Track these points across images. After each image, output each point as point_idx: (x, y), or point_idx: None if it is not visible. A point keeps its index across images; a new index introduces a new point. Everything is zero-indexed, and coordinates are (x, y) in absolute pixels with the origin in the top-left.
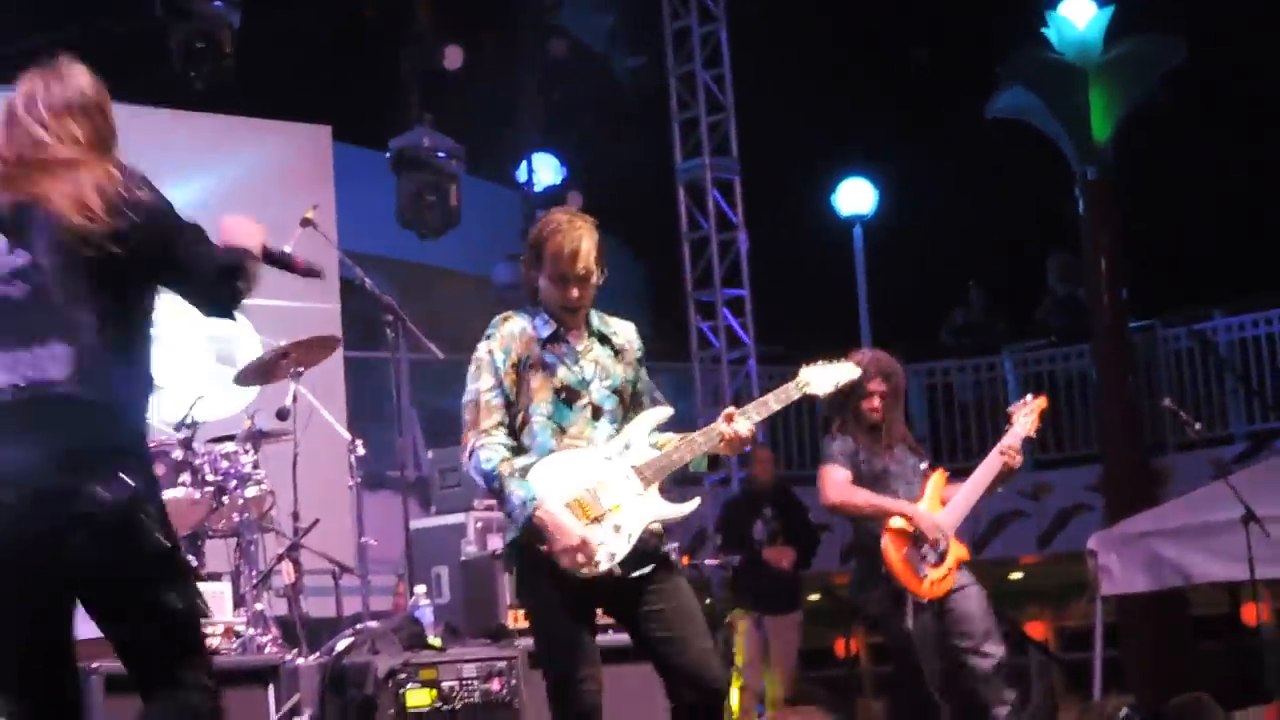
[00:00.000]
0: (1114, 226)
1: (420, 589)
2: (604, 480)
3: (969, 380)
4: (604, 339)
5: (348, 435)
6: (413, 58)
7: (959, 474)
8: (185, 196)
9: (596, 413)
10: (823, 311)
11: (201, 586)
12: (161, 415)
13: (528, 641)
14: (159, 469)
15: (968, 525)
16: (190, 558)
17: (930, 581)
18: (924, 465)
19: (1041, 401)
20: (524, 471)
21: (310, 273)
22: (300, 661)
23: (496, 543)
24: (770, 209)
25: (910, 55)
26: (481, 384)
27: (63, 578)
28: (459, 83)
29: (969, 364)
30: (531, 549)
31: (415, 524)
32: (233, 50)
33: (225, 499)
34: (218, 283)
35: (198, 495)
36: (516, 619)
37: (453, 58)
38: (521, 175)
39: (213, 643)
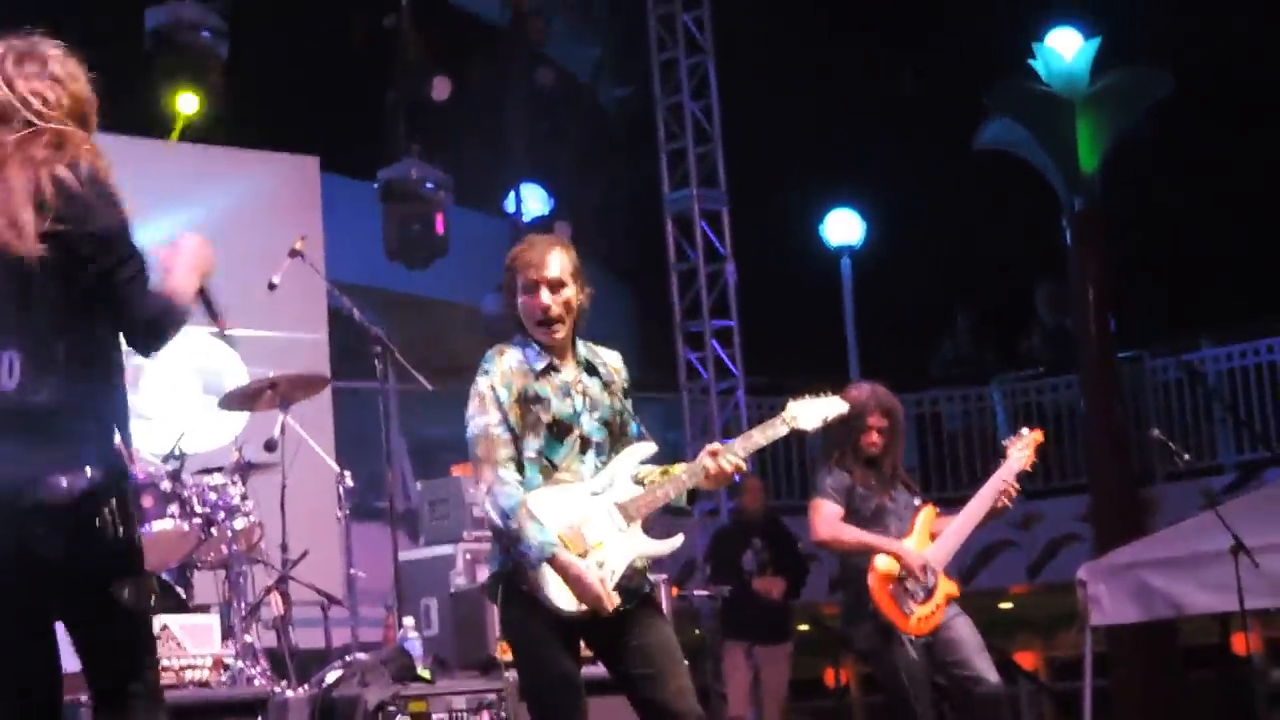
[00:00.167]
0: (1101, 257)
1: (409, 621)
2: (587, 517)
3: (958, 410)
4: (592, 370)
5: (336, 467)
6: (400, 89)
7: (946, 503)
8: (172, 227)
9: (585, 445)
10: (811, 342)
11: (190, 619)
12: (149, 447)
13: (516, 674)
14: (147, 501)
15: (956, 554)
16: (179, 589)
17: (917, 618)
18: (916, 501)
19: (1037, 435)
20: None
21: (221, 325)
22: (289, 694)
23: (485, 574)
24: (758, 240)
25: (899, 81)
26: (490, 418)
27: (32, 575)
28: (447, 113)
29: (958, 394)
30: (514, 582)
31: (404, 555)
32: (220, 80)
33: (213, 530)
34: (142, 330)
35: (186, 527)
36: (506, 651)
37: (440, 89)
38: (509, 206)
39: (201, 675)
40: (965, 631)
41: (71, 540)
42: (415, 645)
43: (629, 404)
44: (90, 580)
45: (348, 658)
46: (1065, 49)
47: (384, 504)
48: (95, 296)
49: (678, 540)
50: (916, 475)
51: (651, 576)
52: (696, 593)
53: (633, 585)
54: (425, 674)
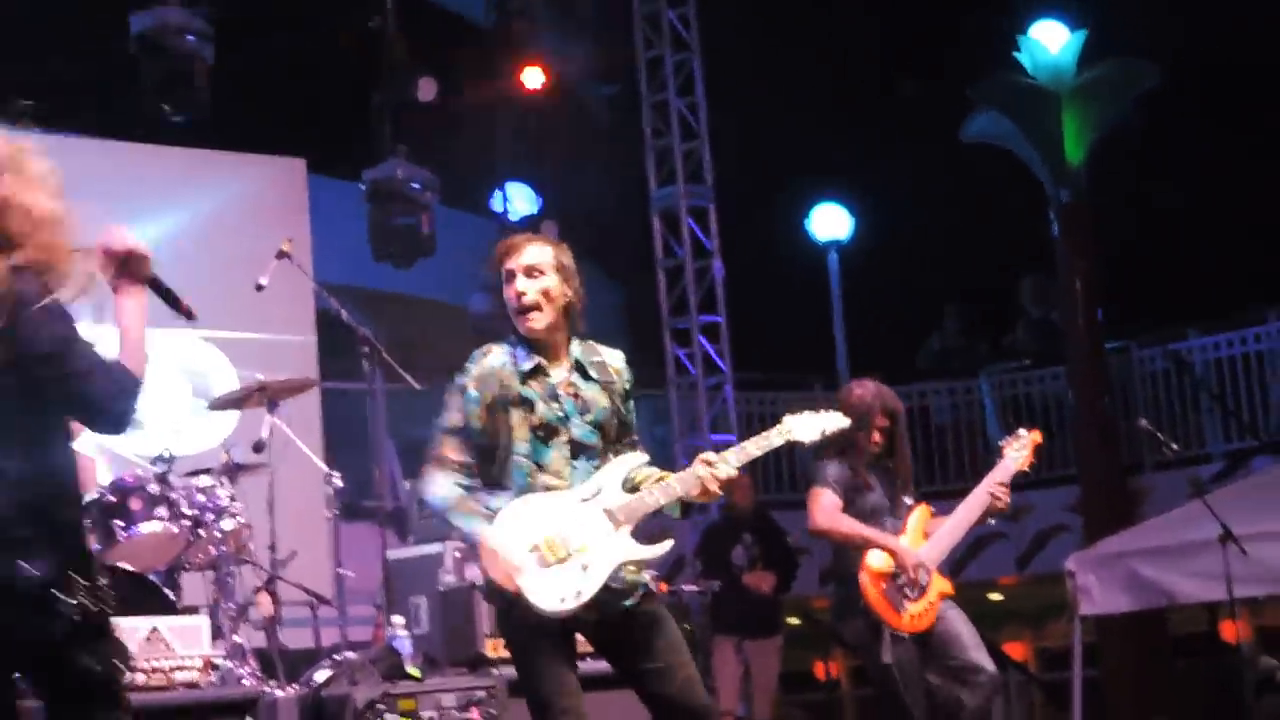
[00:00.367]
0: (1088, 249)
1: (398, 619)
2: (573, 522)
3: (946, 403)
4: (586, 372)
5: (325, 467)
6: (386, 90)
7: (934, 496)
8: (159, 231)
9: (576, 450)
10: (799, 337)
11: (179, 620)
12: (138, 449)
13: (507, 671)
14: (135, 503)
15: None
16: (167, 591)
17: (910, 615)
18: (909, 500)
19: (1035, 436)
20: (495, 514)
21: (185, 311)
22: (279, 694)
23: (474, 573)
24: (745, 236)
25: (895, 85)
26: (446, 417)
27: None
28: (433, 114)
29: (945, 387)
30: None
31: (393, 554)
32: (206, 84)
33: (202, 532)
34: (105, 416)
35: (175, 529)
36: (495, 648)
37: (426, 89)
38: (497, 205)
39: (191, 676)
40: (961, 626)
41: (31, 617)
42: (404, 644)
43: (630, 406)
44: (51, 652)
45: (337, 657)
46: (1051, 41)
47: (373, 503)
48: (51, 398)
49: (666, 545)
50: None
51: (646, 575)
52: (686, 588)
53: (625, 586)
54: (414, 672)
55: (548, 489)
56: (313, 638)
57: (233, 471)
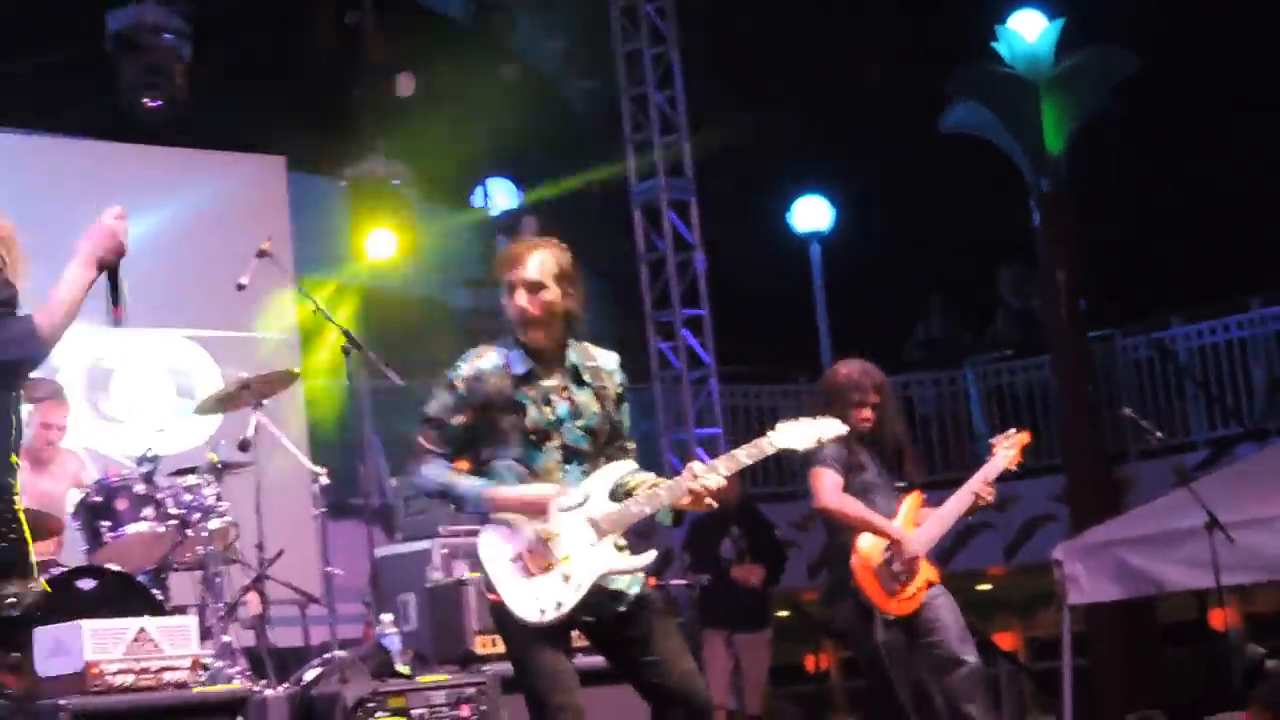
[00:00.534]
0: (1070, 238)
1: (387, 617)
2: (557, 531)
3: (930, 394)
4: (580, 377)
5: (311, 466)
6: (365, 86)
7: (918, 486)
8: (140, 230)
9: (568, 455)
10: (782, 329)
11: (167, 620)
12: (123, 449)
13: (496, 667)
14: (121, 503)
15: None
16: (155, 591)
17: (898, 600)
18: (900, 483)
19: (1024, 437)
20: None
21: (117, 315)
22: (269, 693)
23: (462, 569)
24: (727, 228)
25: (866, 71)
26: (430, 406)
27: None
28: (412, 110)
29: (930, 377)
30: None
31: (381, 551)
32: (184, 82)
33: (189, 532)
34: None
35: (161, 529)
36: (484, 645)
37: (405, 85)
38: (477, 200)
39: (180, 676)
40: (946, 614)
41: None
42: (394, 641)
43: (624, 410)
44: None
45: (326, 655)
46: (1028, 31)
47: (359, 501)
48: None
49: (649, 556)
50: None
51: (639, 579)
52: (674, 582)
53: (611, 595)
54: (404, 669)
55: None
56: (302, 636)
57: (218, 470)
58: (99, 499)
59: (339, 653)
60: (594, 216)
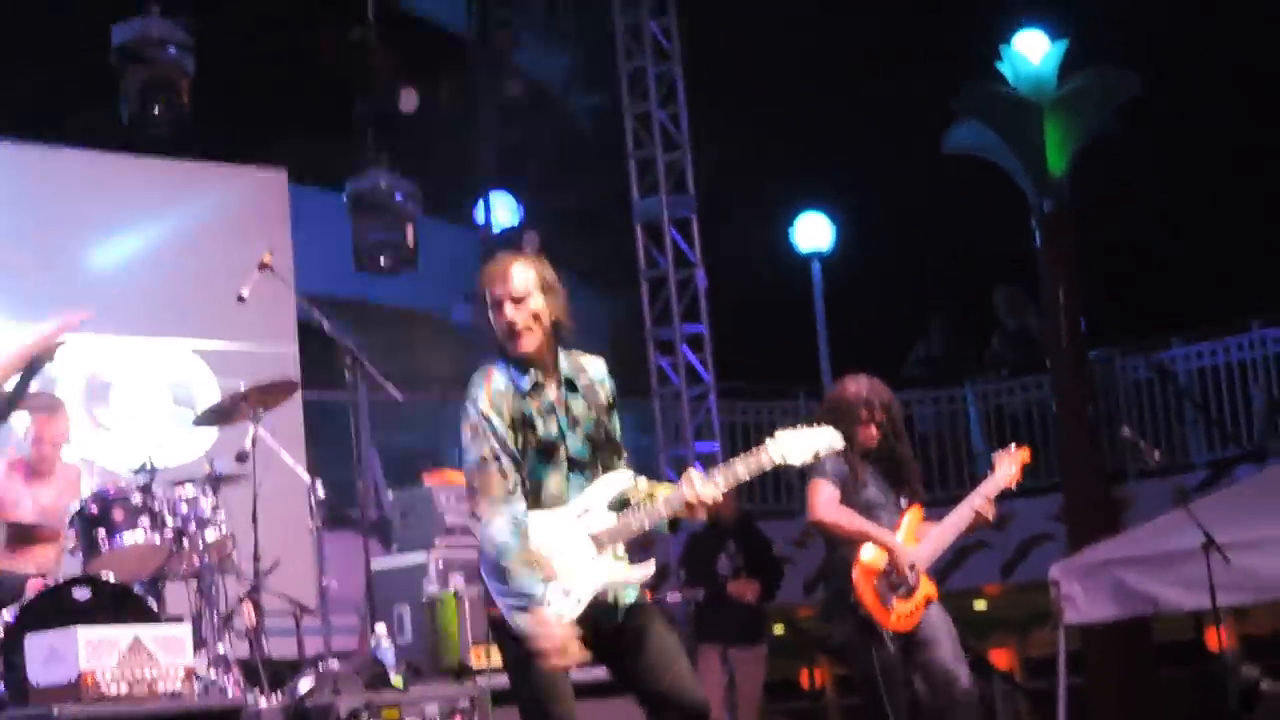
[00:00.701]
0: (1071, 258)
1: (381, 628)
2: (557, 545)
3: (929, 412)
4: (573, 386)
5: (307, 478)
6: (368, 100)
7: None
8: (140, 241)
9: (572, 465)
10: (782, 347)
11: (162, 629)
12: (121, 460)
13: (490, 680)
14: (118, 514)
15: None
16: (150, 601)
17: (898, 615)
18: (903, 501)
19: (1024, 454)
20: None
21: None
22: (263, 703)
23: (458, 581)
24: (728, 246)
25: (869, 90)
26: (482, 449)
27: None
28: (415, 124)
29: (930, 396)
30: None
31: (376, 564)
32: (188, 95)
33: (185, 542)
34: None
35: (158, 539)
36: (478, 657)
37: (408, 100)
38: (479, 216)
39: (174, 686)
40: (943, 635)
41: None
42: (388, 653)
43: (614, 418)
44: None
45: (320, 666)
46: (1032, 52)
47: (356, 513)
48: None
49: (649, 568)
50: None
51: (636, 589)
52: (670, 597)
53: (610, 606)
54: (398, 681)
55: (548, 508)
56: (296, 647)
57: (215, 481)
58: (96, 509)
59: (333, 664)
60: (596, 233)
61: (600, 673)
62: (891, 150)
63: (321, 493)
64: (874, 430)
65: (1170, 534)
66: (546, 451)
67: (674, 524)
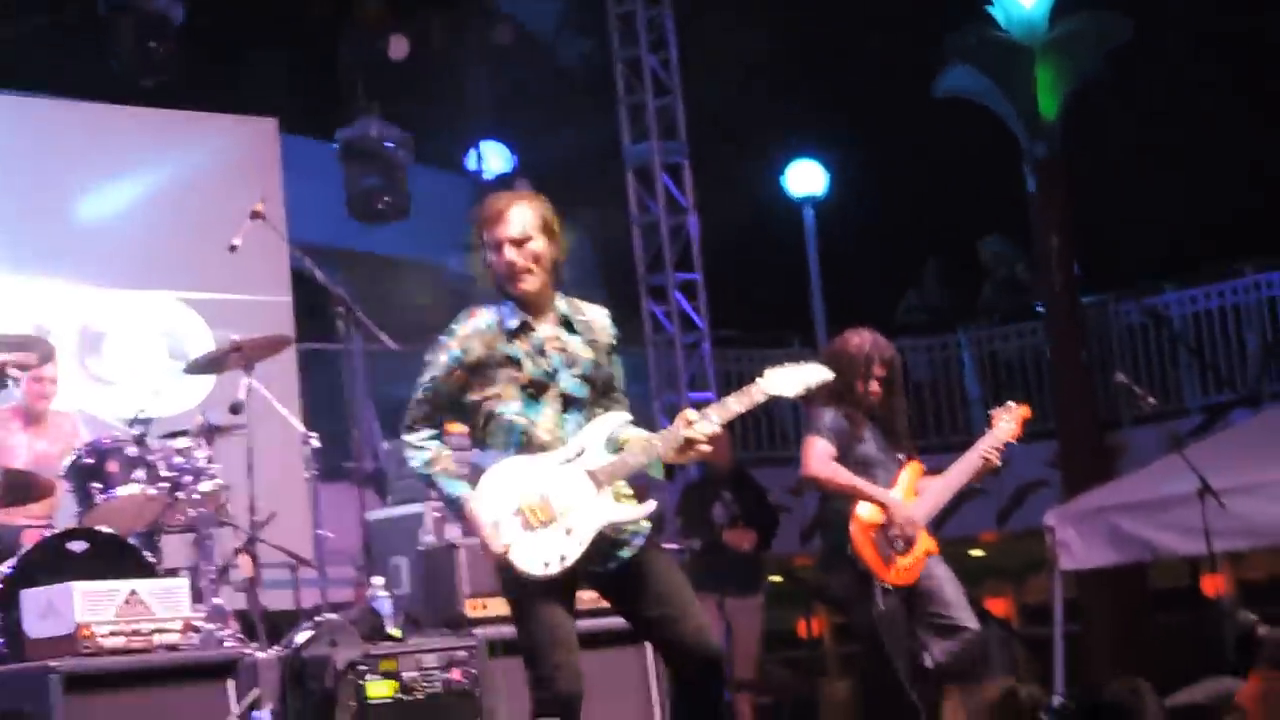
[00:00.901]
0: (1064, 203)
1: (378, 580)
2: (556, 485)
3: (923, 359)
4: (571, 326)
5: (302, 428)
6: (358, 48)
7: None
8: (132, 192)
9: (567, 403)
10: (776, 293)
11: (159, 583)
12: (115, 412)
13: (487, 630)
14: (113, 466)
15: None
16: (147, 554)
17: (897, 569)
18: (901, 455)
19: (1024, 410)
20: (479, 473)
21: None
22: (260, 655)
23: (454, 532)
24: (720, 192)
25: (861, 35)
26: (423, 379)
27: None
28: (406, 72)
29: (923, 343)
30: None
31: (372, 515)
32: (176, 44)
33: (180, 494)
34: None
35: (153, 491)
36: (476, 608)
37: (398, 47)
38: (471, 163)
39: (171, 638)
40: (946, 584)
41: None
42: (385, 604)
43: (616, 361)
44: None
45: (317, 618)
46: None
47: (351, 464)
48: None
49: (650, 506)
50: None
51: (644, 525)
52: (666, 546)
53: (617, 539)
54: (395, 633)
55: (542, 446)
56: (293, 599)
57: (210, 433)
58: (90, 461)
59: (330, 616)
60: (587, 179)
61: (605, 623)
62: (884, 95)
63: (316, 444)
64: (876, 386)
65: (1165, 479)
66: (537, 389)
67: (669, 471)
